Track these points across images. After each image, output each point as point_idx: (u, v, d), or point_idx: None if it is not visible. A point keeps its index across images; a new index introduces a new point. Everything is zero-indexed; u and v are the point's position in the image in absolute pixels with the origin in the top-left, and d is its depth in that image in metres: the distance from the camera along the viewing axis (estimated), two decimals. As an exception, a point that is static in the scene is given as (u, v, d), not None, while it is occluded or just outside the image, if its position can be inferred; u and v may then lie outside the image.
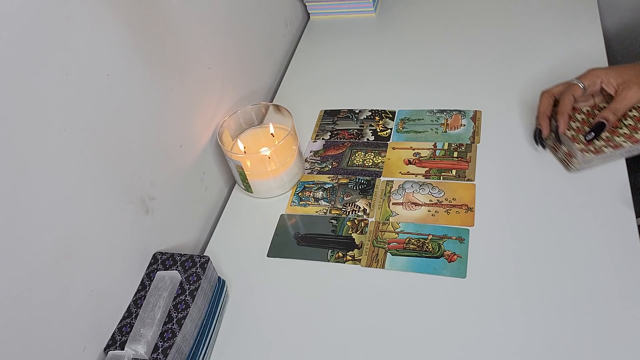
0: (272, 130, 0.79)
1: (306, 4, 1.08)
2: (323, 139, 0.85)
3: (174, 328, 0.57)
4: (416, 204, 0.72)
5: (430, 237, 0.68)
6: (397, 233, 0.69)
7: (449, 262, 0.65)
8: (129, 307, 0.61)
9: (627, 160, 0.70)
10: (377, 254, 0.67)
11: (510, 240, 0.65)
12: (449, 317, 0.60)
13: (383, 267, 0.66)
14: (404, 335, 0.60)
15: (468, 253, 0.65)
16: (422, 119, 0.83)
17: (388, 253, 0.67)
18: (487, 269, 0.63)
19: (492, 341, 0.57)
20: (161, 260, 0.64)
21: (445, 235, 0.67)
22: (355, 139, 0.83)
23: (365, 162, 0.79)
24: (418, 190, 0.74)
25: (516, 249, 0.64)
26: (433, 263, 0.65)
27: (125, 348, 0.56)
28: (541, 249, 0.64)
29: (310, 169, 0.81)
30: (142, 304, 0.60)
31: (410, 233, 0.69)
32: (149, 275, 0.63)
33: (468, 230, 0.67)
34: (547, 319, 0.58)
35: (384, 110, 0.87)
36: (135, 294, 0.62)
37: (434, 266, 0.65)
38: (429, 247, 0.67)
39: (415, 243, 0.67)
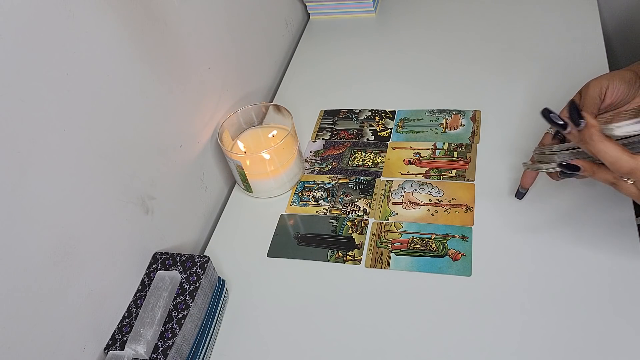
0: (274, 133, 0.79)
1: (306, 4, 1.08)
2: (323, 139, 0.85)
3: (174, 328, 0.57)
4: (416, 204, 0.72)
5: (433, 236, 0.68)
6: (400, 233, 0.69)
7: (454, 261, 0.65)
8: (129, 307, 0.61)
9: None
10: (381, 255, 0.67)
11: (512, 239, 0.65)
12: (456, 316, 0.60)
13: (387, 268, 0.66)
14: (409, 334, 0.60)
15: (472, 251, 0.65)
16: (422, 119, 0.83)
17: (392, 253, 0.67)
18: (492, 267, 0.63)
19: (499, 339, 0.57)
20: (161, 260, 0.64)
21: (448, 234, 0.67)
22: (355, 139, 0.83)
23: (365, 162, 0.79)
24: (417, 189, 0.74)
25: (518, 247, 0.64)
26: (437, 262, 0.65)
27: (125, 348, 0.56)
28: (541, 247, 0.64)
29: (310, 169, 0.81)
30: (142, 304, 0.60)
31: (413, 233, 0.69)
32: (149, 275, 0.63)
33: (471, 228, 0.67)
34: (551, 317, 0.58)
35: (384, 110, 0.87)
36: (135, 294, 0.62)
37: (439, 265, 0.65)
38: (433, 246, 0.67)
39: (419, 242, 0.67)
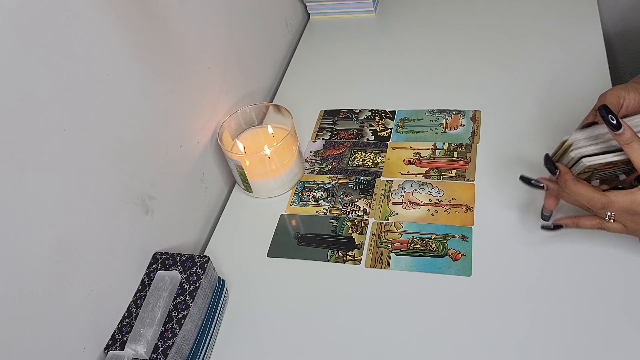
0: (270, 130, 0.79)
1: (306, 4, 1.08)
2: (323, 139, 0.85)
3: (174, 328, 0.57)
4: (416, 204, 0.72)
5: (433, 236, 0.68)
6: (400, 233, 0.69)
7: (454, 261, 0.65)
8: (129, 307, 0.61)
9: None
10: (382, 255, 0.67)
11: (511, 239, 0.65)
12: (456, 316, 0.60)
13: (388, 268, 0.66)
14: (409, 334, 0.60)
15: (472, 251, 0.65)
16: (422, 119, 0.83)
17: (392, 253, 0.67)
18: (492, 267, 0.63)
19: (499, 339, 0.57)
20: (161, 260, 0.64)
21: (448, 234, 0.67)
22: (355, 139, 0.83)
23: (365, 162, 0.79)
24: (417, 189, 0.74)
25: (518, 247, 0.64)
26: (437, 262, 0.65)
27: (125, 348, 0.56)
28: (541, 247, 0.64)
29: (310, 169, 0.81)
30: (142, 304, 0.60)
31: (413, 233, 0.69)
32: (149, 275, 0.63)
33: (471, 228, 0.67)
34: (552, 316, 0.58)
35: (384, 110, 0.87)
36: (135, 294, 0.62)
37: (439, 265, 0.65)
38: (433, 246, 0.67)
39: (419, 242, 0.67)
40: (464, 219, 0.69)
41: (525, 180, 0.61)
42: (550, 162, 0.58)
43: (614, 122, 0.52)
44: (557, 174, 0.57)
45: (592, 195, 0.55)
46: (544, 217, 0.65)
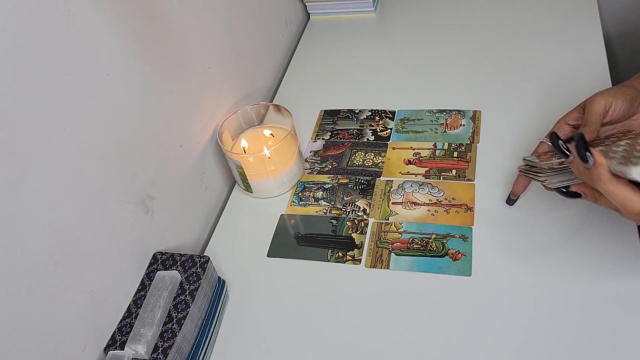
0: (266, 134, 0.79)
1: (306, 4, 1.08)
2: (323, 139, 0.85)
3: (174, 328, 0.57)
4: (416, 204, 0.72)
5: (433, 236, 0.68)
6: (400, 233, 0.69)
7: (454, 261, 0.65)
8: (129, 307, 0.61)
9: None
10: (381, 255, 0.67)
11: (511, 239, 0.65)
12: (456, 316, 0.60)
13: (387, 268, 0.66)
14: (409, 334, 0.60)
15: (472, 251, 0.65)
16: (422, 119, 0.83)
17: (392, 253, 0.67)
18: (492, 267, 0.63)
19: (499, 339, 0.57)
20: (161, 260, 0.64)
21: (448, 234, 0.67)
22: (355, 139, 0.83)
23: (365, 162, 0.79)
24: (417, 189, 0.74)
25: (518, 247, 0.64)
26: (437, 262, 0.65)
27: (125, 348, 0.56)
28: (541, 247, 0.64)
29: (310, 169, 0.81)
30: (142, 304, 0.60)
31: (413, 233, 0.69)
32: (149, 275, 0.63)
33: (471, 228, 0.67)
34: (552, 316, 0.58)
35: (384, 110, 0.87)
36: (135, 294, 0.62)
37: (439, 265, 0.65)
38: (433, 246, 0.67)
39: (419, 242, 0.67)
40: (464, 219, 0.69)
41: (554, 139, 0.51)
42: (584, 146, 0.47)
43: (567, 152, 0.49)
44: (591, 163, 0.47)
45: (630, 197, 0.45)
46: (510, 202, 0.66)
